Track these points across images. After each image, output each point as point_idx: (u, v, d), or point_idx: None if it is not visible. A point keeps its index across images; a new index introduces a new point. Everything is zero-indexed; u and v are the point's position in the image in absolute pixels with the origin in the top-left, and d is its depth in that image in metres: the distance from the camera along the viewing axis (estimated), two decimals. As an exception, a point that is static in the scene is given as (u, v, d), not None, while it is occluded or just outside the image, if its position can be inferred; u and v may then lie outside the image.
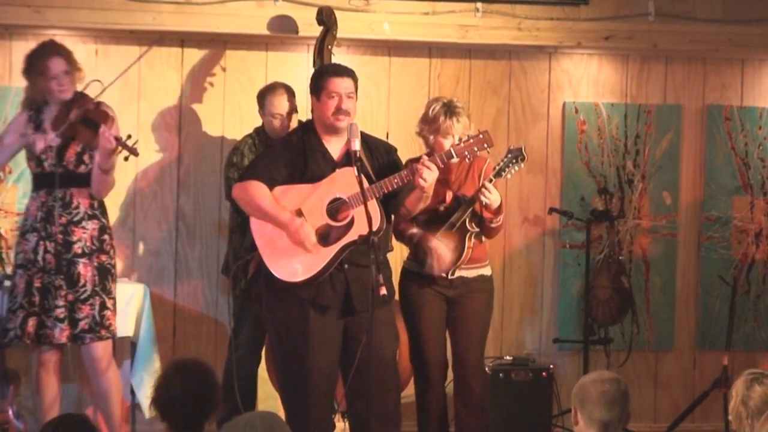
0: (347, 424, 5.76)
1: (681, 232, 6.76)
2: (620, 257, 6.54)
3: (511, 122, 6.62)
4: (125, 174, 6.23)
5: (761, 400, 3.70)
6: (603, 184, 6.66)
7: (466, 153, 4.88)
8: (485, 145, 4.89)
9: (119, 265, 6.21)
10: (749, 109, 6.78)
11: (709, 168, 6.76)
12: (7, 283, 5.60)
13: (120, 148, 5.05)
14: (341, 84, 4.87)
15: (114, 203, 6.30)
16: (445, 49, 6.53)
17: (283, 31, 6.16)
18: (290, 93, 5.76)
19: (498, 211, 5.27)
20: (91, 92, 5.35)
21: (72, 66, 5.27)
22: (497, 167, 5.25)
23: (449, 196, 5.33)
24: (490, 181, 5.21)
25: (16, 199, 6.24)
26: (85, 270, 5.20)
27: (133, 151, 5.06)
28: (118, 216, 6.32)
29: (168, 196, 6.39)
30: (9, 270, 6.00)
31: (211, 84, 6.40)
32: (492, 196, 5.19)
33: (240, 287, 5.72)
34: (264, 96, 5.78)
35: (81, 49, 6.22)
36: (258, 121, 5.90)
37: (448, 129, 5.27)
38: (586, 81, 6.70)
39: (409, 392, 5.55)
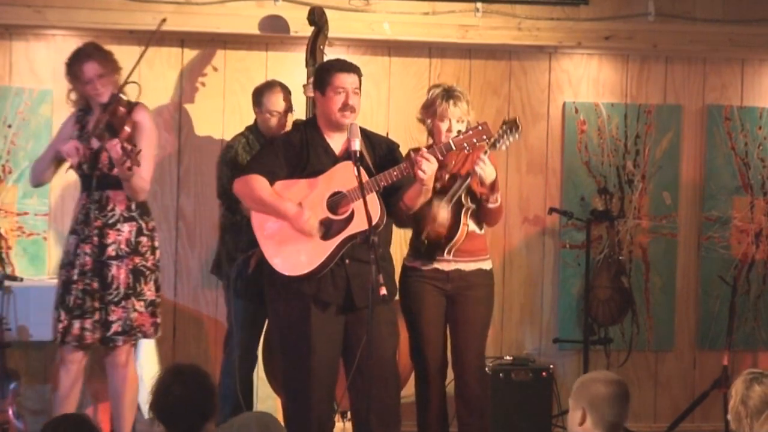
0: (346, 424, 5.78)
1: (681, 232, 6.76)
2: (620, 257, 6.54)
3: (511, 122, 6.62)
4: (125, 174, 6.24)
5: (760, 400, 3.70)
6: (603, 184, 6.66)
7: (465, 145, 4.88)
8: (485, 137, 4.90)
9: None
10: (749, 109, 6.78)
11: (709, 168, 6.76)
12: (7, 283, 5.61)
13: (125, 158, 5.06)
14: (348, 79, 4.88)
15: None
16: (445, 49, 6.53)
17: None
18: (287, 91, 5.77)
19: (493, 187, 5.23)
20: (131, 93, 5.37)
21: (107, 69, 5.28)
22: (492, 139, 5.23)
23: (446, 176, 5.32)
24: (486, 153, 5.18)
25: (16, 199, 6.25)
26: (118, 272, 5.21)
27: (136, 162, 5.07)
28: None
29: (168, 196, 6.39)
30: (9, 270, 6.02)
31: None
32: (487, 168, 5.15)
33: (235, 287, 5.72)
34: (261, 93, 5.78)
35: (81, 49, 6.23)
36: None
37: (444, 112, 5.27)
38: (586, 81, 6.70)
39: (409, 392, 5.55)
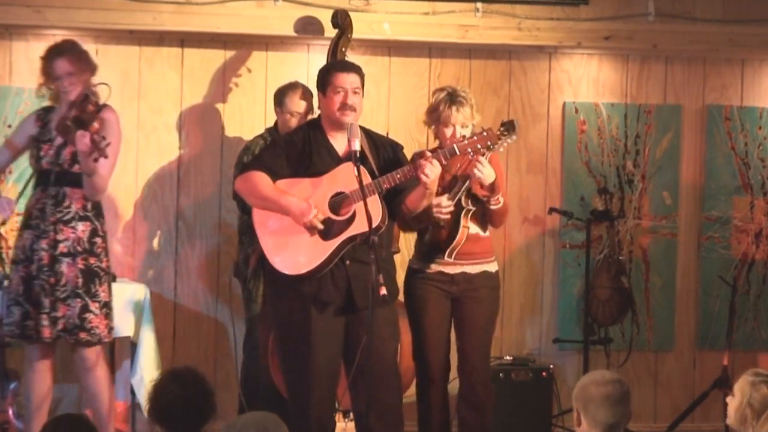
0: (348, 424, 5.78)
1: (681, 232, 6.76)
2: (620, 257, 6.54)
3: (511, 122, 6.61)
4: (125, 174, 6.24)
5: (764, 402, 3.71)
6: (603, 184, 6.67)
7: (469, 150, 4.89)
8: (489, 143, 4.90)
9: (120, 265, 6.23)
10: (749, 109, 6.78)
11: (709, 168, 6.76)
12: (6, 282, 5.61)
13: (94, 150, 5.05)
14: (347, 79, 4.89)
15: (114, 203, 6.31)
16: (445, 49, 6.53)
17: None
18: (309, 93, 5.78)
19: (493, 188, 5.23)
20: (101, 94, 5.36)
21: (77, 67, 5.26)
22: (496, 144, 5.22)
23: (448, 178, 5.32)
24: (483, 155, 5.19)
25: (16, 198, 6.23)
26: (68, 270, 5.18)
27: (103, 153, 5.02)
28: (119, 216, 6.33)
29: (168, 196, 6.39)
30: (9, 270, 6.02)
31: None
32: (485, 170, 5.15)
33: (248, 288, 5.74)
34: (285, 94, 5.79)
35: (81, 49, 6.23)
36: (260, 120, 5.91)
37: (448, 119, 5.27)
38: (586, 81, 6.70)
39: (411, 392, 5.55)
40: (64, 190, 5.23)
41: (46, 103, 5.42)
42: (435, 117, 5.32)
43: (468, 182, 5.23)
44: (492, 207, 5.26)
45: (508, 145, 5.23)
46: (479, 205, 5.29)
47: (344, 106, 4.87)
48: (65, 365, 5.80)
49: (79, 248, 5.21)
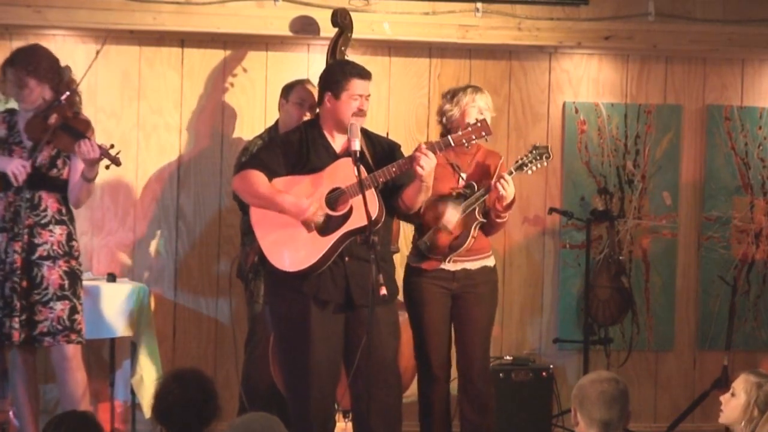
0: (348, 423, 5.79)
1: (681, 232, 6.76)
2: (620, 257, 6.55)
3: (511, 122, 6.62)
4: (125, 174, 6.24)
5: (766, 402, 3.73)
6: (603, 184, 6.67)
7: (464, 141, 4.89)
8: (483, 134, 4.90)
9: (120, 265, 6.24)
10: (749, 109, 6.78)
11: (709, 168, 6.76)
12: None
13: (103, 157, 5.07)
14: (365, 86, 4.90)
15: (114, 203, 6.31)
16: (445, 49, 6.53)
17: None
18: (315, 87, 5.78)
19: (509, 206, 5.26)
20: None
21: (44, 78, 5.21)
22: (520, 161, 5.26)
23: (462, 181, 5.32)
24: (510, 173, 5.21)
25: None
26: (49, 273, 5.18)
27: (116, 161, 5.09)
28: (119, 216, 6.33)
29: (168, 196, 6.39)
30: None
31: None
32: (509, 189, 5.18)
33: (250, 288, 5.74)
34: (293, 85, 5.80)
35: (81, 49, 6.23)
36: (260, 120, 5.90)
37: (472, 99, 5.29)
38: (586, 81, 6.70)
39: (411, 392, 5.55)
40: (39, 194, 5.22)
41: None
42: (456, 101, 5.31)
43: (486, 195, 5.25)
44: (498, 221, 5.29)
45: (507, 145, 5.26)
46: (485, 213, 5.32)
47: (360, 113, 4.88)
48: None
49: (59, 251, 5.22)
